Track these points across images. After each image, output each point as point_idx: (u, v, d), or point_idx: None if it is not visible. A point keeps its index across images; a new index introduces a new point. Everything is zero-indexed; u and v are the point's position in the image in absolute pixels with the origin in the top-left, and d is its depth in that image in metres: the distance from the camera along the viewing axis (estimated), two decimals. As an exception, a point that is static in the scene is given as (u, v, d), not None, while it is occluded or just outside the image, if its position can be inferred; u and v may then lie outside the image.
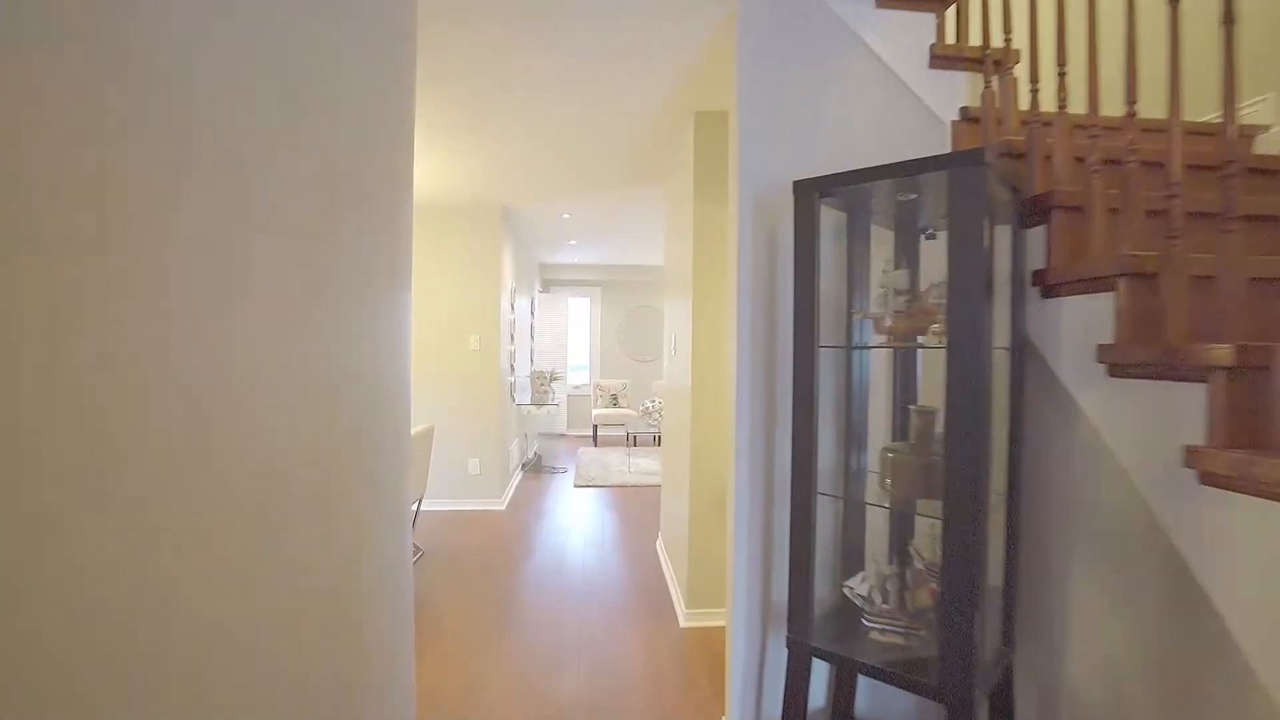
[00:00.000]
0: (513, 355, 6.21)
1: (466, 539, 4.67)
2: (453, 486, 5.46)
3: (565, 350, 9.48)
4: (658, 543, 4.56)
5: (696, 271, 3.26)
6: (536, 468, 7.14)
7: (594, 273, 9.58)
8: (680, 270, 3.65)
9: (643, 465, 7.40)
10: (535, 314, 8.69)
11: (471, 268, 5.43)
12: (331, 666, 1.18)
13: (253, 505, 0.92)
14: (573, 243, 7.39)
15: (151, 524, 0.72)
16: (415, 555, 4.30)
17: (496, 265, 5.44)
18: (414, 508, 3.82)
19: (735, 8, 2.03)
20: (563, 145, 3.95)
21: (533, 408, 6.70)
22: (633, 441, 8.70)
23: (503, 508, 5.51)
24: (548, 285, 9.92)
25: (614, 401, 9.15)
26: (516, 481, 6.48)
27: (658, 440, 7.60)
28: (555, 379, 7.23)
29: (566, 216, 5.86)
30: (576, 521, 5.17)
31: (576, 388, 10.01)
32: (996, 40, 1.98)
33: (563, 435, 9.76)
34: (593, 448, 8.68)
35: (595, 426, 8.87)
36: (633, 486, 6.44)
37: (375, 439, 1.43)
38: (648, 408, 7.50)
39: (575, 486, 6.42)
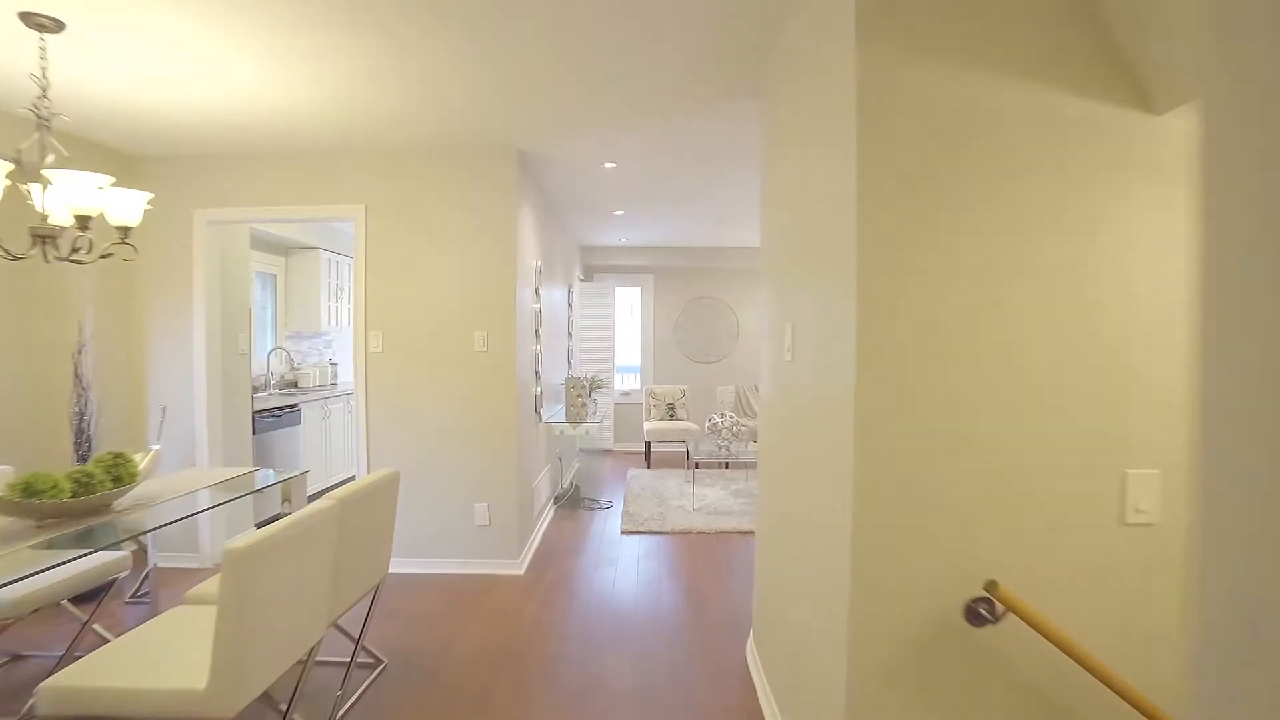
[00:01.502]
0: (538, 357, 4.64)
1: (458, 636, 3.10)
2: (450, 542, 3.92)
3: (611, 350, 7.89)
4: (748, 651, 2.90)
5: (869, 220, 1.59)
6: (574, 502, 5.56)
7: (645, 256, 7.96)
8: (817, 226, 1.98)
9: (710, 499, 5.73)
10: (574, 306, 7.13)
11: (474, 235, 3.87)
12: None
13: None
14: (619, 213, 5.78)
15: None
16: (373, 669, 2.75)
17: (511, 233, 3.87)
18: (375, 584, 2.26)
19: None
20: (601, 42, 2.37)
21: (567, 427, 5.12)
22: (693, 464, 7.07)
23: (521, 572, 3.94)
24: (590, 273, 8.35)
25: (670, 412, 7.51)
26: (545, 526, 4.91)
27: (727, 464, 5.97)
28: (598, 387, 5.66)
29: (609, 167, 4.25)
30: (622, 598, 3.56)
31: (625, 394, 8.41)
32: None
33: (608, 451, 8.17)
34: (645, 470, 7.07)
35: (648, 444, 7.25)
36: (698, 534, 4.79)
37: None
38: (715, 424, 5.83)
39: (623, 533, 4.82)
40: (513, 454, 3.88)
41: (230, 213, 3.89)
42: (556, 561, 4.17)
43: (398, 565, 3.90)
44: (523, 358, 4.12)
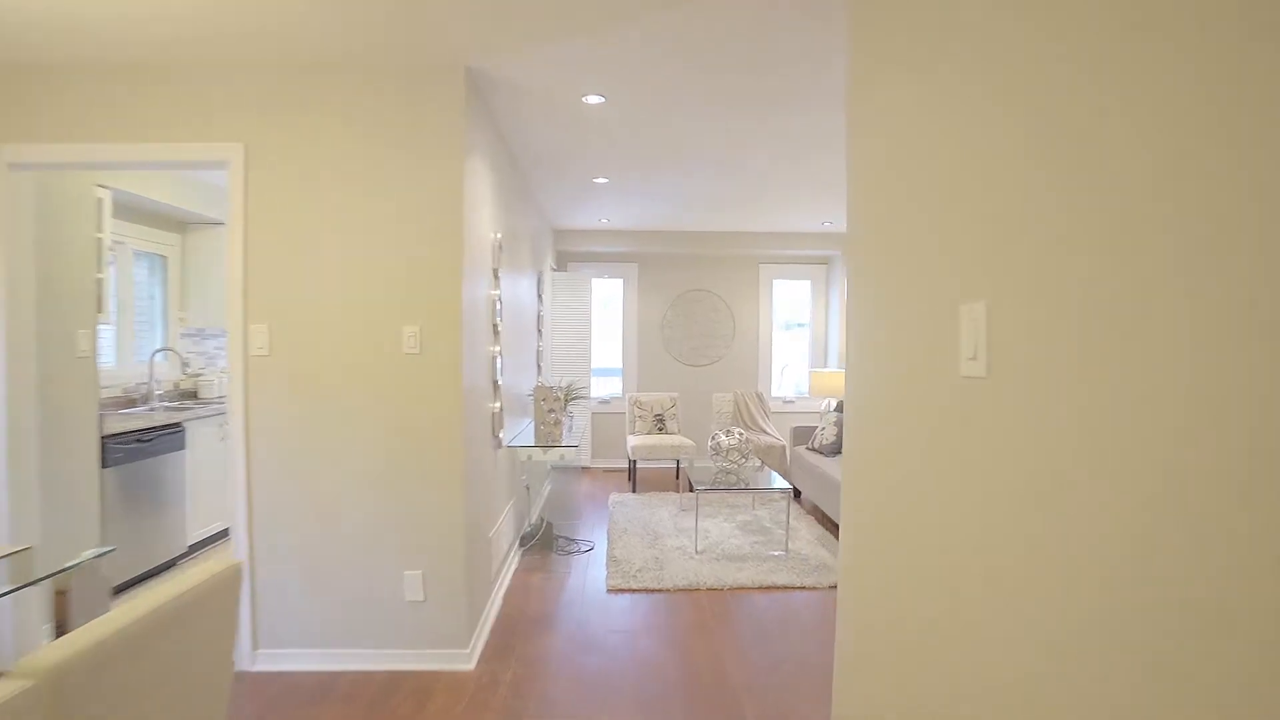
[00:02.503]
0: (497, 362, 3.49)
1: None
2: (370, 626, 2.75)
3: (587, 352, 6.77)
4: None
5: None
6: (545, 542, 4.42)
7: (628, 241, 6.85)
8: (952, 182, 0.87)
9: (715, 536, 4.63)
10: (546, 298, 5.98)
11: (404, 190, 2.72)
12: None
13: None
14: (601, 180, 4.65)
15: None
16: None
17: (455, 188, 2.72)
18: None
19: None
20: None
21: (536, 452, 3.97)
22: (685, 486, 5.94)
23: (470, 666, 2.79)
24: (563, 261, 7.21)
25: (659, 424, 6.41)
26: (507, 581, 3.76)
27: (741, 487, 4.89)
28: (575, 398, 4.54)
29: (594, 101, 3.13)
30: (620, 712, 2.44)
31: (604, 402, 7.28)
32: None
33: (585, 469, 7.03)
34: (630, 494, 5.95)
35: (633, 462, 6.12)
36: (709, 590, 3.69)
37: None
38: (719, 443, 4.74)
39: (609, 590, 3.69)
40: (458, 498, 2.73)
41: (43, 152, 2.67)
42: (521, 644, 3.02)
43: (289, 660, 2.72)
44: (474, 362, 2.97)
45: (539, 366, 5.46)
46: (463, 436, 2.73)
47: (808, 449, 5.57)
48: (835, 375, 6.32)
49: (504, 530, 3.71)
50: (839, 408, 5.74)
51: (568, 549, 4.37)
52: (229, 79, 2.67)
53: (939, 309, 1.31)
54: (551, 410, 4.00)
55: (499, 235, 3.54)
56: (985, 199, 1.13)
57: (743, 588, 3.73)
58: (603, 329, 7.50)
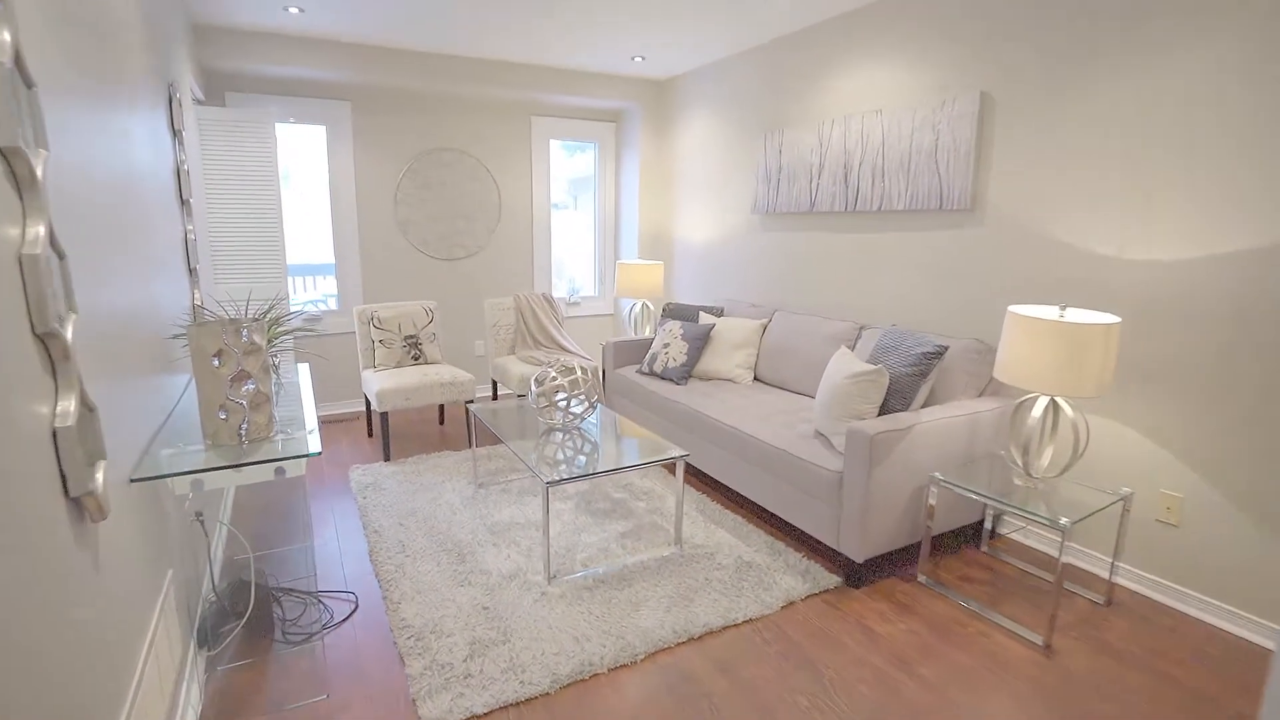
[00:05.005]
0: (50, 267, 1.17)
1: None
2: None
3: (276, 239, 4.19)
4: None
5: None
6: (257, 625, 2.24)
7: (334, 60, 4.22)
8: None
9: (566, 534, 2.92)
10: (186, 153, 3.28)
11: None
12: None
13: None
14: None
15: None
16: None
17: None
18: None
19: None
20: None
21: (207, 477, 1.74)
22: (467, 435, 3.91)
23: None
24: (218, 88, 4.30)
25: (413, 351, 4.27)
26: (177, 772, 1.62)
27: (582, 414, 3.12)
28: (283, 333, 2.29)
29: None
30: None
31: (314, 319, 4.79)
32: None
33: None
34: (382, 464, 3.84)
35: (380, 414, 3.92)
36: (619, 670, 2.04)
37: None
38: (554, 382, 2.95)
39: (429, 733, 1.82)
40: None
41: None
42: None
43: None
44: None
45: (192, 272, 2.90)
46: None
47: (641, 373, 4.06)
48: (651, 268, 4.81)
49: (157, 658, 1.52)
50: (668, 313, 4.28)
51: (300, 627, 2.28)
52: None
53: None
54: (241, 371, 1.77)
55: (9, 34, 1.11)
56: None
57: (664, 648, 2.16)
58: (298, 204, 4.84)
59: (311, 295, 5.26)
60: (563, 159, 5.75)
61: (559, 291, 5.82)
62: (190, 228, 2.90)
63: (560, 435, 2.97)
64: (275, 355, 2.49)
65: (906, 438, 2.47)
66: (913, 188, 3.21)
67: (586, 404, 3.01)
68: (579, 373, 2.98)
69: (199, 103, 4.10)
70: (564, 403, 2.92)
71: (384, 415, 3.85)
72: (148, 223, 2.02)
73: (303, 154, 4.71)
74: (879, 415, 2.69)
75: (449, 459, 3.89)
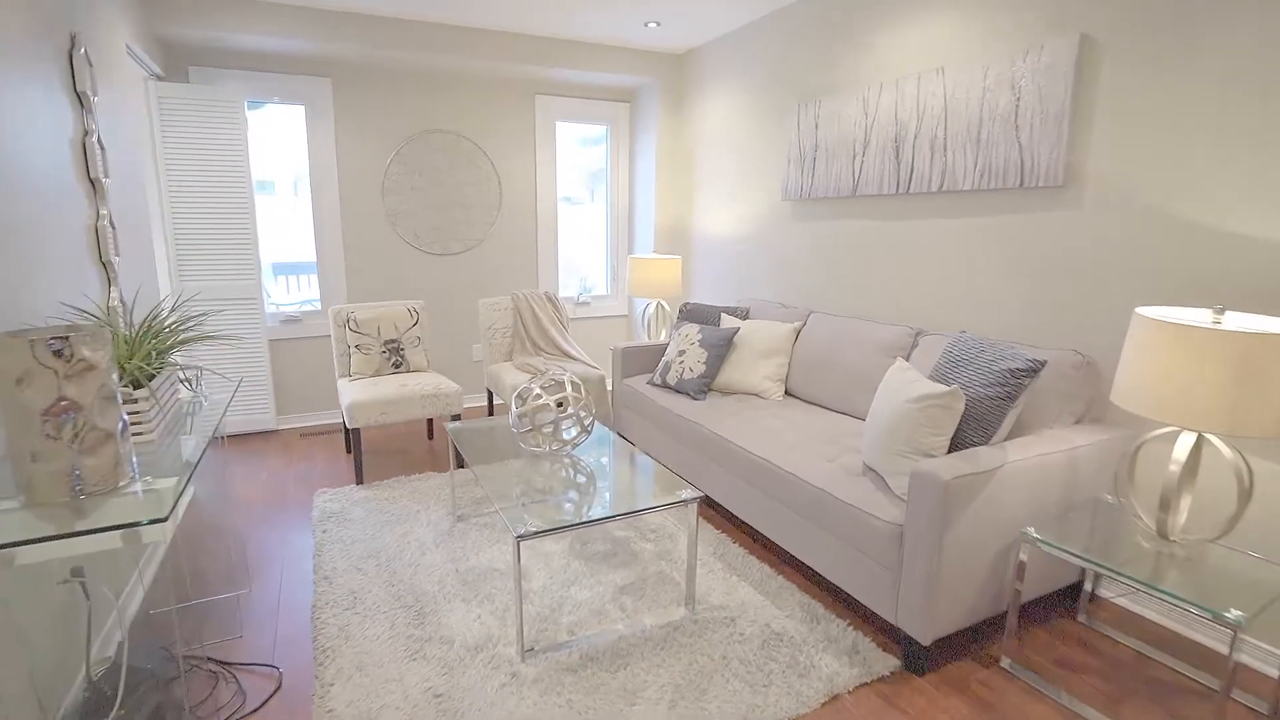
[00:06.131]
0: None
1: None
2: None
3: (249, 232, 3.72)
4: None
5: None
6: (151, 709, 1.72)
7: (312, 29, 3.73)
8: None
9: (548, 590, 2.38)
10: (97, 123, 2.79)
11: None
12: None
13: None
14: None
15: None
16: None
17: None
18: None
19: None
20: None
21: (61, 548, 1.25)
22: (454, 457, 3.29)
23: None
24: (179, 62, 3.83)
25: (395, 357, 3.77)
26: None
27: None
28: (176, 331, 1.78)
29: None
30: None
31: (290, 318, 4.31)
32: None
33: (270, 433, 4.12)
34: (353, 487, 3.34)
35: (351, 431, 3.41)
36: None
37: None
38: (540, 401, 2.40)
39: None
40: None
41: None
42: None
43: None
44: None
45: (105, 265, 2.40)
46: None
47: (653, 385, 3.50)
48: (667, 264, 4.24)
49: None
50: (685, 315, 3.71)
51: (201, 716, 1.76)
52: None
53: None
54: (61, 400, 1.26)
55: None
56: None
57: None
58: (271, 196, 4.37)
59: (305, 295, 4.79)
60: (576, 150, 5.20)
61: (569, 290, 5.28)
62: (104, 212, 2.40)
63: (548, 465, 2.42)
64: (182, 369, 1.98)
65: (991, 482, 1.87)
66: (984, 161, 2.60)
67: (579, 428, 2.45)
68: (570, 389, 2.43)
69: (158, 78, 3.63)
70: (550, 429, 2.37)
71: (355, 432, 3.34)
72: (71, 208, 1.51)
73: (285, 141, 4.23)
74: (950, 450, 2.09)
75: (431, 482, 3.38)
